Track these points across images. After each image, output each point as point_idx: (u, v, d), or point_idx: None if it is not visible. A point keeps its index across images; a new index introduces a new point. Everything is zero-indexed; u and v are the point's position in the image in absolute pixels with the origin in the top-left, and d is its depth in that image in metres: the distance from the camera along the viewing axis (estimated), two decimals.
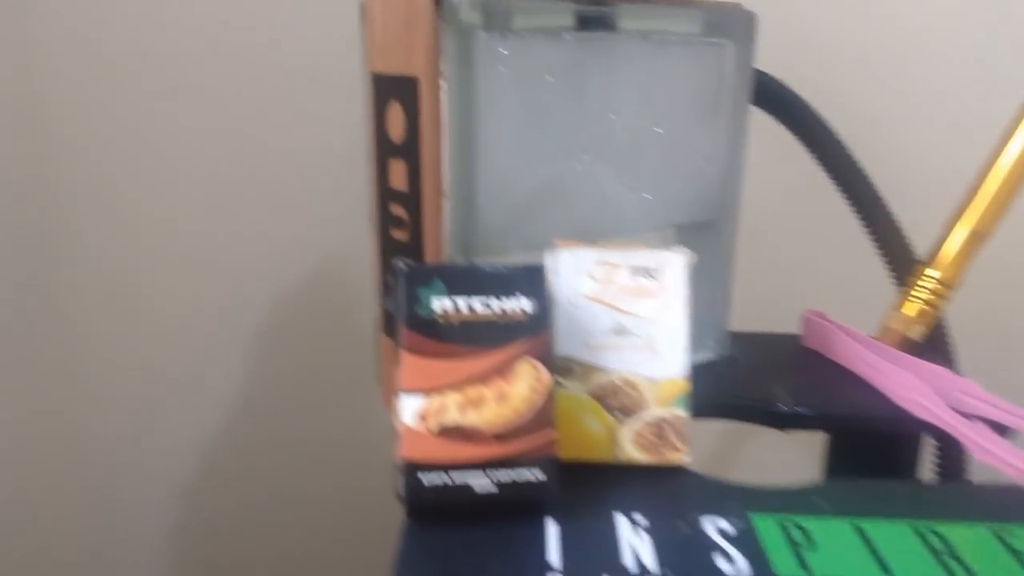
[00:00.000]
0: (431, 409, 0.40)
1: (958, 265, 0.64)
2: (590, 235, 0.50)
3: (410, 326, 0.41)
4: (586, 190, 0.51)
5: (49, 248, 0.80)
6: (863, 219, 0.71)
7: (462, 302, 0.42)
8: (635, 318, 0.47)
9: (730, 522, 0.42)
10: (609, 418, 0.46)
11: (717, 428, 0.96)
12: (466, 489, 0.40)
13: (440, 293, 0.42)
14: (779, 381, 0.60)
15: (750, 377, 0.61)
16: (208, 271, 0.83)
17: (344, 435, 0.88)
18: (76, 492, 0.86)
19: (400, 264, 0.42)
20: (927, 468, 0.67)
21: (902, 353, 0.60)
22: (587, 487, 0.45)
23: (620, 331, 0.47)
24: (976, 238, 0.63)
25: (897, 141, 0.87)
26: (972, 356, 0.70)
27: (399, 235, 0.47)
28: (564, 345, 0.46)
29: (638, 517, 0.42)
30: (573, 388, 0.46)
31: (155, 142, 0.80)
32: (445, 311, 0.42)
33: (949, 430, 0.52)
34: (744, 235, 0.62)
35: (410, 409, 0.40)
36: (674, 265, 0.47)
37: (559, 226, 0.50)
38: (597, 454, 0.46)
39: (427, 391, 0.41)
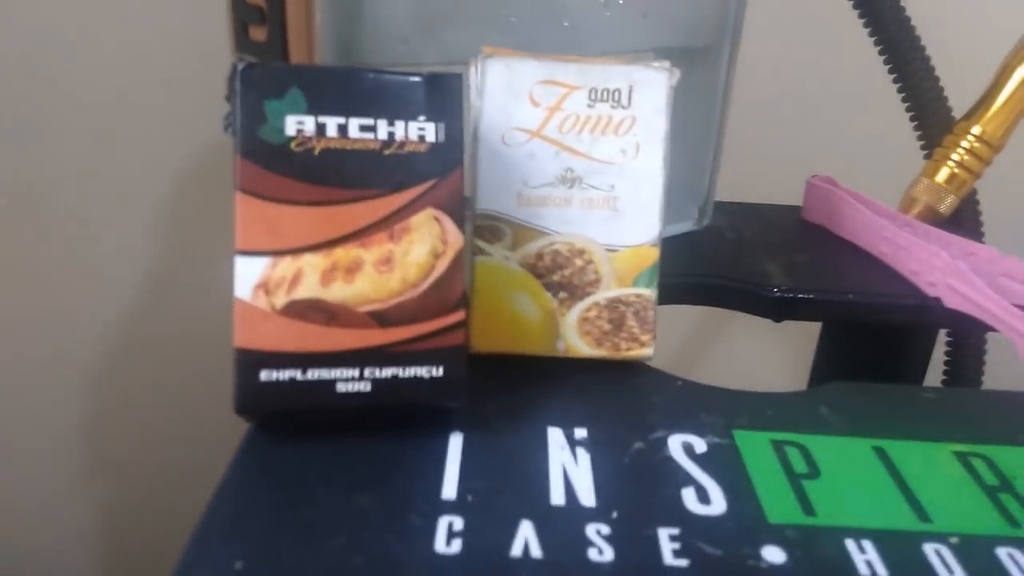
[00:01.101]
0: (278, 277, 0.28)
1: (1007, 119, 0.51)
2: (538, 50, 0.36)
3: (249, 156, 0.28)
4: None
5: None
6: (889, 60, 0.57)
7: (331, 122, 0.28)
8: (592, 162, 0.34)
9: (706, 441, 0.31)
10: (548, 298, 0.34)
11: (684, 322, 0.85)
12: (327, 389, 0.28)
13: (298, 108, 0.28)
14: (773, 259, 0.48)
15: (737, 254, 0.48)
16: (101, 166, 0.69)
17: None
18: None
19: (237, 63, 0.28)
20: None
21: (932, 227, 0.48)
22: (512, 391, 0.33)
23: (570, 179, 0.34)
24: None
25: None
26: (1005, 241, 0.57)
27: (257, 34, 0.33)
28: (489, 196, 0.33)
29: (578, 433, 0.31)
30: (499, 256, 0.34)
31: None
32: (304, 135, 0.28)
33: (992, 322, 0.41)
34: (739, 74, 0.48)
35: (247, 277, 0.27)
36: (652, 87, 0.33)
37: (493, 33, 0.36)
38: (529, 346, 0.34)
39: (273, 251, 0.28)
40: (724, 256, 0.48)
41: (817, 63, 0.72)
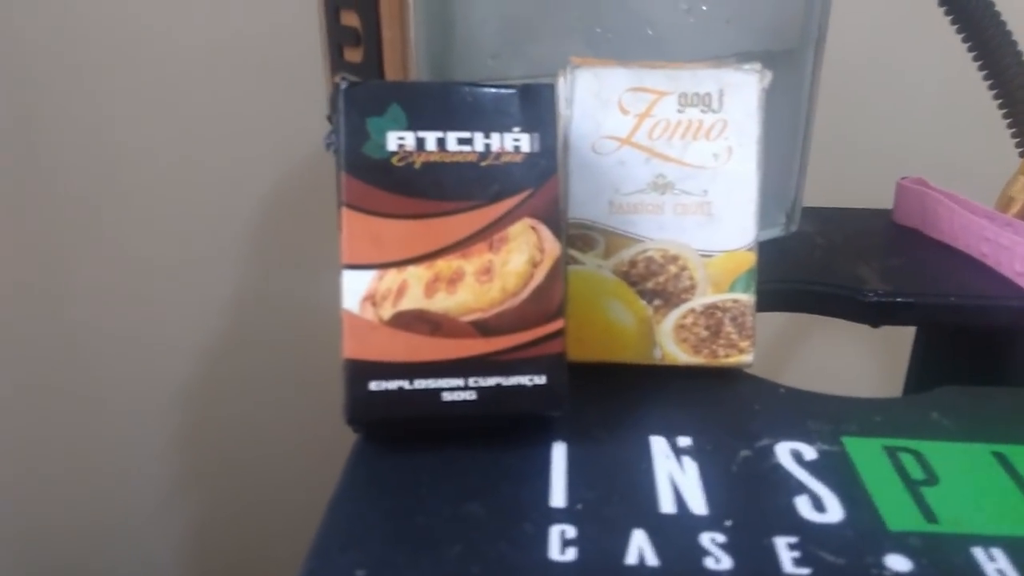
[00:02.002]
0: (384, 289, 0.28)
1: None
2: (623, 59, 0.36)
3: (353, 172, 0.28)
4: None
5: (36, 176, 0.69)
6: (980, 59, 0.55)
7: (430, 137, 0.29)
8: (684, 167, 0.33)
9: (815, 448, 0.30)
10: (643, 305, 0.34)
11: (761, 329, 0.82)
12: (433, 398, 0.28)
13: (398, 124, 0.29)
14: (867, 263, 0.46)
15: (828, 258, 0.47)
16: (190, 172, 0.71)
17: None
18: (71, 399, 0.78)
19: (341, 83, 0.29)
20: None
21: None
22: (612, 399, 0.33)
23: (662, 185, 0.33)
24: None
25: None
26: None
27: (353, 55, 0.34)
28: (581, 204, 0.33)
29: (683, 442, 0.30)
30: (592, 264, 0.34)
31: (132, 56, 0.67)
32: (404, 150, 0.29)
33: None
34: (825, 77, 0.47)
35: (355, 290, 0.28)
36: (743, 90, 0.33)
37: (579, 45, 0.36)
38: (624, 354, 0.34)
39: (379, 264, 0.28)
40: (815, 261, 0.47)
41: (904, 62, 0.70)
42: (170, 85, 0.68)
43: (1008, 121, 0.56)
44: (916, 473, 0.29)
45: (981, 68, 0.55)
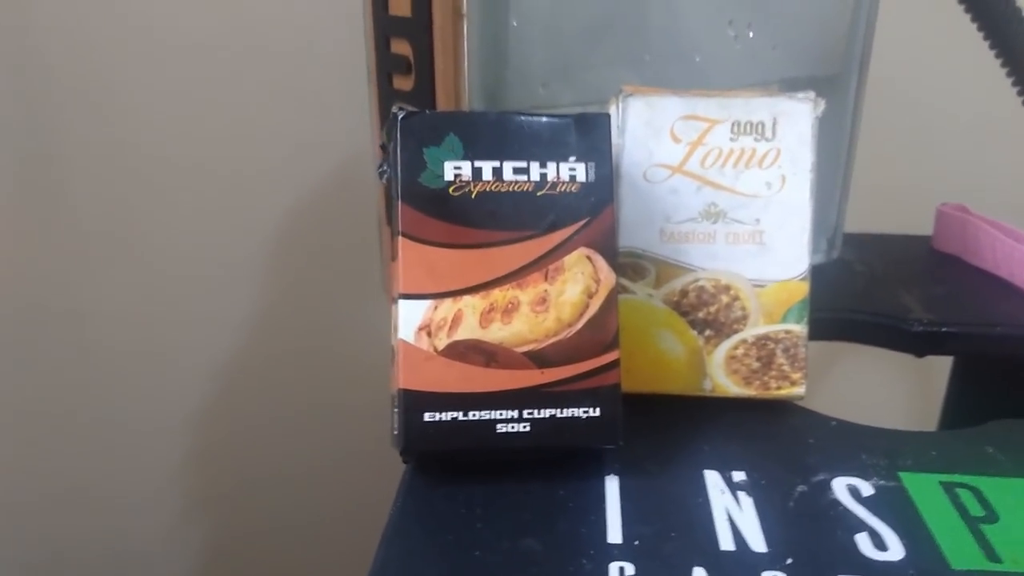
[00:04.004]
0: (439, 319, 0.28)
1: None
2: (670, 85, 0.36)
3: (410, 201, 0.28)
4: (667, 21, 0.37)
5: (49, 172, 0.69)
6: (1019, 83, 0.54)
7: (487, 167, 0.29)
8: (736, 195, 0.33)
9: (872, 484, 0.30)
10: (693, 336, 0.33)
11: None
12: (487, 430, 0.28)
13: (455, 154, 0.29)
14: (910, 292, 0.46)
15: (871, 286, 0.47)
16: (208, 189, 0.72)
17: (358, 353, 0.77)
18: (86, 412, 0.78)
19: (397, 112, 0.29)
20: None
21: None
22: (663, 432, 0.32)
23: (714, 214, 0.33)
24: None
25: None
26: None
27: (403, 83, 0.34)
28: (631, 233, 0.33)
29: (737, 476, 0.30)
30: (643, 294, 0.33)
31: (148, 50, 0.67)
32: (461, 180, 0.29)
33: None
34: (866, 102, 0.47)
35: (410, 320, 0.28)
36: (797, 118, 0.33)
37: (628, 72, 0.36)
38: (675, 385, 0.34)
39: (434, 294, 0.28)
40: (857, 289, 0.46)
41: (946, 88, 0.70)
42: (195, 102, 0.68)
43: None
44: (975, 510, 0.28)
45: (1021, 93, 0.55)
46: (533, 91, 0.34)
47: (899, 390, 0.81)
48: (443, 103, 0.33)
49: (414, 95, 0.33)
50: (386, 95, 0.35)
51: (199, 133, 0.69)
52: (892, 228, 0.56)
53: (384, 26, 0.34)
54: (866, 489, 0.29)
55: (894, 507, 0.28)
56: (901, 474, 0.30)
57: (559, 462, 0.30)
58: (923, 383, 0.61)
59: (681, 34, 0.37)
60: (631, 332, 0.33)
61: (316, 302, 0.76)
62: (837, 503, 0.28)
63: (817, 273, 0.48)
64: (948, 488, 0.29)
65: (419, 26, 0.32)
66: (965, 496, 0.29)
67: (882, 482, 0.30)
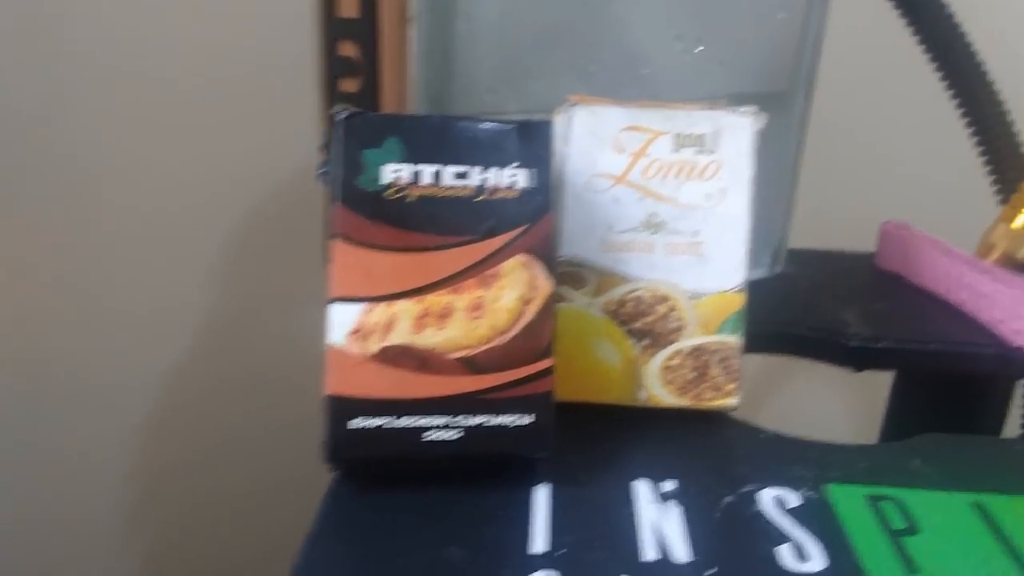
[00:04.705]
0: (372, 323, 0.28)
1: None
2: (618, 97, 0.36)
3: (347, 204, 0.28)
4: (615, 33, 0.37)
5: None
6: (962, 106, 0.56)
7: (426, 170, 0.29)
8: (676, 207, 0.33)
9: (799, 496, 0.30)
10: (630, 345, 0.34)
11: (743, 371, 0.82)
12: (415, 437, 0.27)
13: (394, 157, 0.28)
14: (850, 307, 0.47)
15: (812, 301, 0.48)
16: (156, 194, 0.70)
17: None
18: (29, 428, 0.76)
19: (338, 113, 0.28)
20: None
21: (1013, 274, 0.47)
22: (595, 441, 0.32)
23: (654, 224, 0.33)
24: None
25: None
26: None
27: (349, 86, 0.34)
28: (572, 242, 0.33)
29: (667, 486, 0.30)
30: (581, 302, 0.34)
31: (90, 56, 0.66)
32: (400, 183, 0.28)
33: None
34: (813, 119, 0.47)
35: (341, 324, 0.28)
36: (738, 132, 0.33)
37: (575, 82, 0.37)
38: (610, 394, 0.34)
39: (368, 298, 0.28)
40: (799, 304, 0.47)
41: (889, 107, 0.71)
42: (143, 105, 0.67)
43: (989, 168, 0.57)
44: (898, 523, 0.29)
45: (964, 116, 0.56)
46: (479, 97, 0.34)
47: (845, 403, 0.83)
48: (389, 106, 0.32)
49: (360, 98, 0.33)
50: (332, 97, 0.35)
51: (145, 137, 0.68)
52: (839, 245, 0.57)
53: (331, 28, 0.34)
54: (792, 500, 0.30)
55: (818, 519, 0.29)
56: (827, 486, 0.31)
57: (490, 470, 0.29)
58: (870, 397, 0.62)
59: (629, 46, 0.37)
60: (569, 340, 0.33)
61: (267, 308, 0.75)
62: (762, 514, 0.29)
63: (760, 287, 0.49)
64: (873, 500, 0.30)
65: (366, 29, 0.32)
66: (889, 509, 0.30)
67: (808, 494, 0.30)
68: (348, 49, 0.33)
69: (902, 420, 0.56)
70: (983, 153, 0.57)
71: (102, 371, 0.75)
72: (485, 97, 0.34)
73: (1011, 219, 0.51)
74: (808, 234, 0.55)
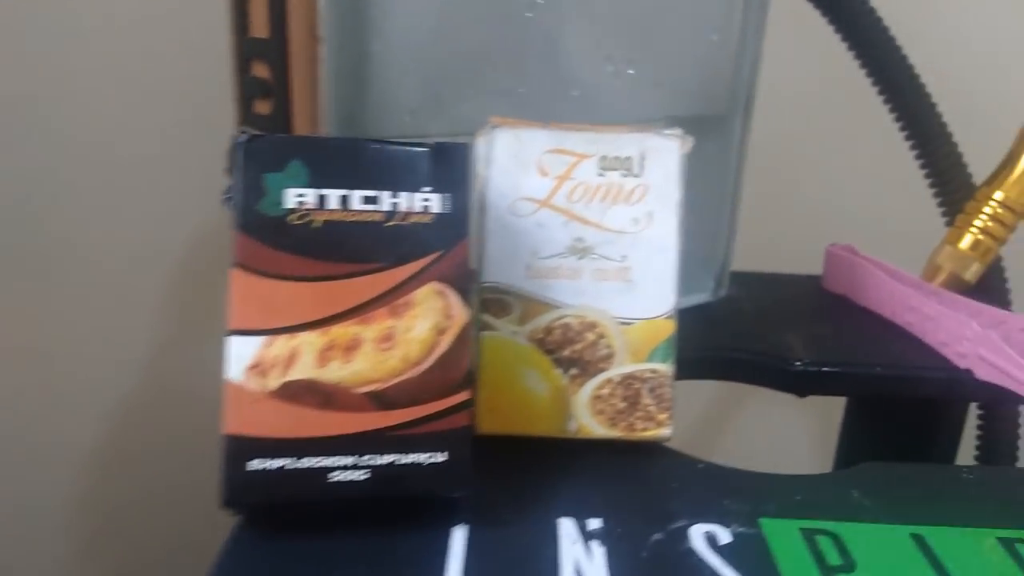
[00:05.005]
0: (272, 357, 0.26)
1: None
2: (549, 119, 0.35)
3: (247, 230, 0.26)
4: (542, 54, 0.36)
5: None
6: (906, 128, 0.56)
7: (333, 195, 0.27)
8: (603, 231, 0.32)
9: (731, 531, 0.29)
10: (558, 375, 0.32)
11: (700, 398, 0.81)
12: (320, 478, 0.26)
13: (298, 181, 0.27)
14: (795, 331, 0.46)
15: (756, 325, 0.47)
16: (77, 217, 0.68)
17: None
18: None
19: (239, 136, 0.27)
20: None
21: (958, 296, 0.46)
22: (521, 477, 0.31)
23: (580, 249, 0.32)
24: None
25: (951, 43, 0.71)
26: None
27: (263, 108, 0.32)
28: (496, 268, 0.32)
29: (592, 524, 0.28)
30: (507, 331, 0.32)
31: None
32: (304, 208, 0.27)
33: None
34: (755, 140, 0.47)
35: (239, 358, 0.26)
36: (664, 155, 0.32)
37: (502, 104, 0.36)
38: (538, 426, 0.32)
39: (268, 330, 0.26)
40: (743, 328, 0.46)
41: (833, 130, 0.71)
42: (69, 124, 0.65)
43: (935, 189, 0.57)
44: (833, 558, 0.28)
45: (908, 138, 0.56)
46: (399, 119, 0.33)
47: (807, 427, 0.82)
48: (300, 128, 0.31)
49: (272, 120, 0.32)
50: (246, 119, 0.33)
51: (68, 155, 0.66)
52: (788, 268, 0.57)
53: (244, 48, 0.33)
54: (724, 536, 0.28)
55: (750, 556, 0.27)
56: (762, 520, 0.29)
57: (405, 511, 0.28)
58: (832, 420, 0.62)
59: (558, 68, 0.36)
60: (493, 370, 0.32)
61: (193, 352, 0.72)
62: (692, 552, 0.27)
63: (703, 311, 0.48)
64: (808, 535, 0.29)
65: (276, 48, 0.31)
66: (824, 543, 0.28)
67: (741, 529, 0.29)
68: (261, 70, 0.32)
69: (854, 446, 0.55)
70: (928, 175, 0.56)
71: (45, 405, 0.72)
72: (406, 119, 0.33)
73: (956, 240, 0.51)
74: (756, 257, 0.54)
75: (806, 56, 0.64)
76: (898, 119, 0.56)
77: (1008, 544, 0.29)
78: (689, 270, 0.48)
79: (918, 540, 0.29)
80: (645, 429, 0.32)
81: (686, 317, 0.46)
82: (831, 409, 0.57)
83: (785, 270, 0.56)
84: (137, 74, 0.65)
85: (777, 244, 0.59)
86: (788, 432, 0.81)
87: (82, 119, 0.65)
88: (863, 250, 0.52)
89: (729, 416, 0.83)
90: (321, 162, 0.27)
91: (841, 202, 0.71)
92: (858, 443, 0.54)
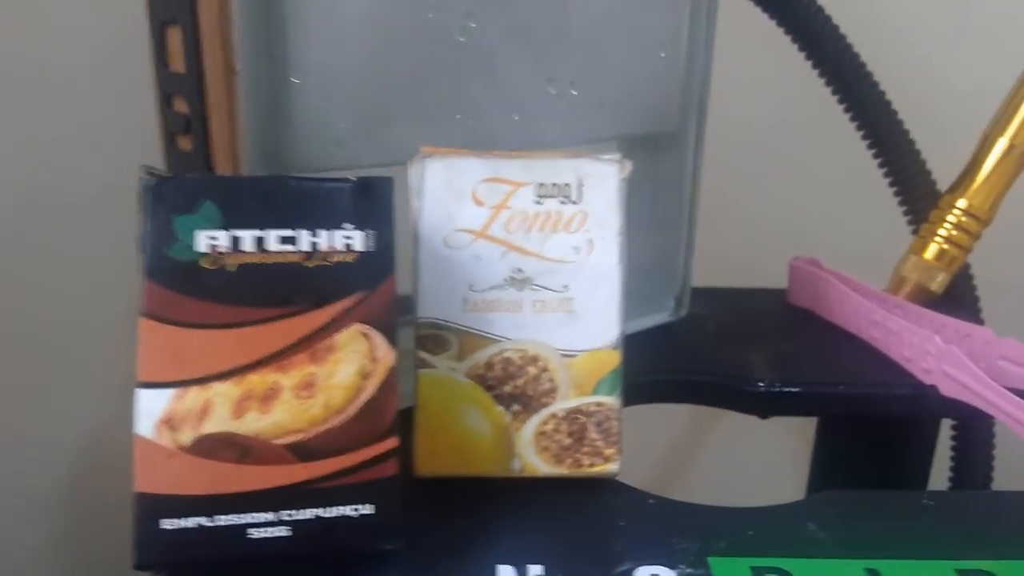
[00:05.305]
0: (184, 411, 0.25)
1: (992, 191, 0.48)
2: (491, 144, 0.34)
3: (156, 277, 0.25)
4: (478, 79, 0.35)
5: None
6: (867, 136, 0.55)
7: (247, 236, 0.26)
8: (543, 261, 0.31)
9: (677, 573, 0.27)
10: (500, 412, 0.31)
11: (673, 420, 0.78)
12: (238, 536, 0.24)
13: (211, 223, 0.26)
14: (757, 349, 0.45)
15: (718, 345, 0.46)
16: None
17: None
18: None
19: (145, 176, 0.26)
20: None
21: (924, 309, 0.45)
22: (464, 521, 0.30)
23: (519, 280, 0.31)
24: (1015, 156, 0.48)
25: (910, 48, 0.70)
26: (999, 316, 0.54)
27: (185, 144, 0.31)
28: (432, 303, 0.31)
29: (532, 571, 0.27)
30: (444, 367, 0.31)
31: None
32: (217, 251, 0.26)
33: (990, 410, 0.37)
34: (709, 157, 0.46)
35: (150, 412, 0.25)
36: (603, 180, 0.31)
37: (438, 133, 0.34)
38: (480, 466, 0.31)
39: (178, 382, 0.25)
40: (704, 348, 0.45)
41: (794, 140, 0.70)
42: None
43: (899, 199, 0.56)
44: None
45: (871, 146, 0.56)
46: (327, 151, 0.31)
47: (781, 453, 0.80)
48: (221, 166, 0.30)
49: (193, 157, 0.30)
50: (170, 157, 0.32)
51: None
52: (760, 281, 0.55)
53: (165, 83, 0.31)
54: None
55: None
56: (711, 559, 0.28)
57: (335, 563, 0.26)
58: (807, 445, 0.60)
59: (496, 92, 0.35)
60: (432, 410, 0.31)
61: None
62: None
63: (664, 332, 0.47)
64: (758, 573, 0.28)
65: (193, 83, 0.30)
66: None
67: (689, 570, 0.27)
68: (181, 104, 0.31)
69: (825, 469, 0.54)
70: (892, 183, 0.56)
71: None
72: (334, 151, 0.31)
73: (921, 250, 0.50)
74: (722, 271, 0.53)
75: (766, 67, 0.63)
76: (859, 127, 0.56)
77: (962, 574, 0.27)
78: (648, 291, 0.47)
79: (872, 575, 0.28)
80: (592, 465, 0.31)
81: (646, 338, 0.45)
82: (809, 430, 0.56)
83: (755, 283, 0.55)
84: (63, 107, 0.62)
85: (744, 257, 0.58)
86: (767, 454, 0.80)
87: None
88: (830, 261, 0.51)
89: (705, 438, 0.81)
90: (234, 202, 0.26)
91: (806, 212, 0.70)
92: (829, 465, 0.53)
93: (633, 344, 0.43)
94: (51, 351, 0.69)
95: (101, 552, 0.74)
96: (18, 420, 0.69)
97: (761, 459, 0.78)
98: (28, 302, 0.67)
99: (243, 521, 0.24)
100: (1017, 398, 0.36)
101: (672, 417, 0.77)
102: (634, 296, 0.46)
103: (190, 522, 0.24)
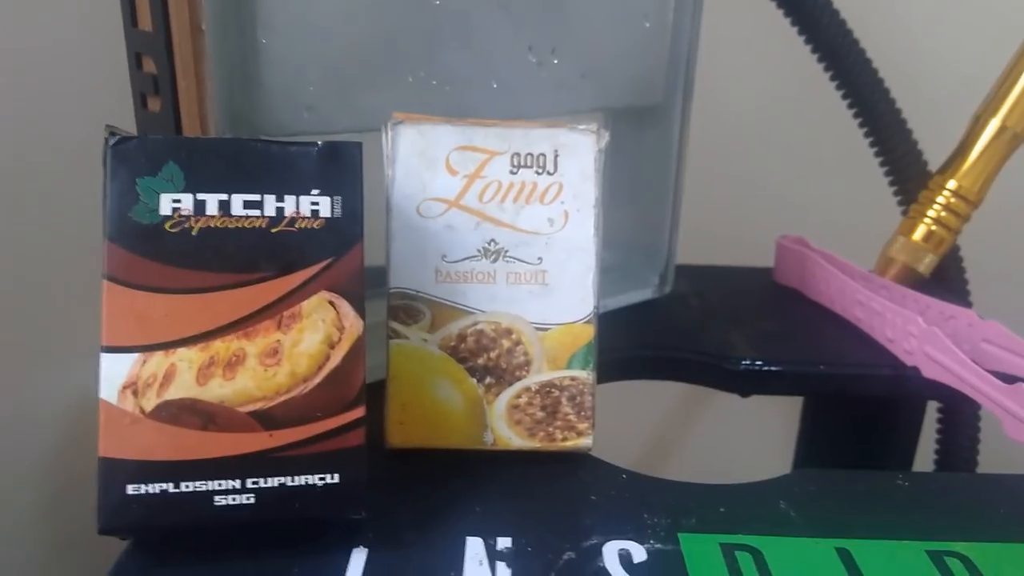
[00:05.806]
0: (148, 376, 0.24)
1: (982, 173, 0.48)
2: (469, 112, 0.34)
3: (118, 240, 0.25)
4: (455, 44, 0.34)
5: None
6: (859, 114, 0.54)
7: (211, 199, 0.25)
8: (517, 232, 0.31)
9: (647, 548, 0.27)
10: (473, 384, 0.31)
11: (664, 398, 0.78)
12: (203, 503, 0.24)
13: (174, 185, 0.25)
14: (741, 327, 0.45)
15: (701, 322, 0.45)
16: None
17: None
18: None
19: (108, 138, 0.25)
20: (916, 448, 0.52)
21: (908, 290, 0.45)
22: (430, 494, 0.29)
23: (493, 252, 0.31)
24: (1007, 138, 0.47)
25: (907, 31, 0.69)
26: (990, 300, 0.54)
27: (154, 105, 0.31)
28: (404, 273, 0.30)
29: (501, 543, 0.27)
30: (417, 339, 0.30)
31: None
32: (180, 215, 0.25)
33: (971, 393, 0.37)
34: (697, 132, 0.45)
35: (113, 377, 0.24)
36: (579, 151, 0.31)
37: (413, 99, 0.34)
38: (452, 439, 0.31)
39: (142, 347, 0.24)
40: (687, 326, 0.45)
41: (785, 116, 0.70)
42: None
43: (890, 179, 0.55)
44: (751, 573, 0.26)
45: (862, 125, 0.55)
46: (297, 116, 0.31)
47: (774, 429, 0.80)
48: (188, 129, 0.29)
49: (162, 118, 0.30)
50: (141, 118, 0.32)
51: None
52: (748, 259, 0.55)
53: (134, 41, 0.31)
54: (639, 554, 0.27)
55: (666, 574, 0.26)
56: (681, 535, 0.28)
57: (304, 533, 0.26)
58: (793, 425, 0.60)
59: (473, 58, 0.35)
60: (404, 381, 0.30)
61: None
62: (604, 572, 0.26)
63: (648, 308, 0.46)
64: (728, 551, 0.27)
65: (161, 42, 0.29)
66: (744, 560, 0.27)
67: (658, 546, 0.27)
68: (150, 64, 0.30)
69: (811, 448, 0.54)
70: (883, 163, 0.55)
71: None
72: (305, 115, 0.31)
73: (909, 231, 0.50)
74: (710, 249, 0.52)
75: (755, 40, 0.62)
76: (851, 105, 0.55)
77: (937, 557, 0.27)
78: (631, 267, 0.47)
79: (843, 555, 0.27)
80: (565, 439, 0.31)
81: (629, 315, 0.45)
82: (799, 409, 0.56)
83: (741, 261, 0.55)
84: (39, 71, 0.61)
85: (730, 234, 0.58)
86: (757, 433, 0.80)
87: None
88: (817, 240, 0.51)
89: (696, 417, 0.81)
90: (199, 164, 0.25)
91: (795, 190, 0.69)
92: (815, 446, 0.53)
93: (616, 320, 0.43)
94: (30, 319, 0.68)
95: (83, 522, 0.73)
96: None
97: (750, 439, 0.78)
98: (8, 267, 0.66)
99: (208, 488, 0.24)
100: (997, 380, 0.36)
101: (663, 395, 0.77)
102: (618, 272, 0.46)
103: (155, 488, 0.24)
